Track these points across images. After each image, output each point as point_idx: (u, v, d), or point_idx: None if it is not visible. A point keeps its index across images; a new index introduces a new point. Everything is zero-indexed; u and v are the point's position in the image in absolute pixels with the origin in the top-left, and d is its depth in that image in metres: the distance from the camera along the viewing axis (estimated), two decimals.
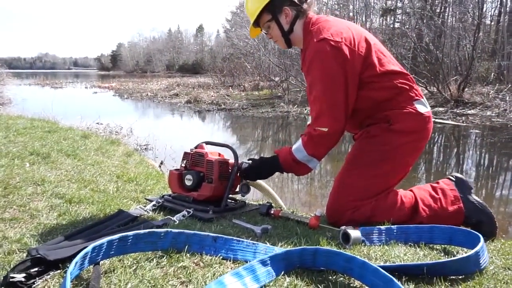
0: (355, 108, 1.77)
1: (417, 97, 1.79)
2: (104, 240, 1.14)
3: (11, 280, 1.04)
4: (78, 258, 1.06)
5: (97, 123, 7.36)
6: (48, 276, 1.11)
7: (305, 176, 4.77)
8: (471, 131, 8.19)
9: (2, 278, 1.06)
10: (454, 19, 16.77)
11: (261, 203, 2.05)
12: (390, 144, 1.74)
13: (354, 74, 1.70)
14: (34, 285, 1.06)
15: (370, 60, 1.73)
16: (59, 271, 1.14)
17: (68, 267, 1.05)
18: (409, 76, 1.81)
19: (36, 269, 1.10)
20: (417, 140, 1.79)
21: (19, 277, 1.05)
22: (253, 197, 2.49)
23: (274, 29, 1.87)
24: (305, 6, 1.84)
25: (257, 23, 1.89)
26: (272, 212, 1.82)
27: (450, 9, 17.29)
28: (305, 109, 10.83)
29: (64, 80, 31.47)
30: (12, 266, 1.15)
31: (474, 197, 1.75)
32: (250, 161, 1.95)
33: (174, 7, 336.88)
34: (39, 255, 1.14)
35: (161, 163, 4.54)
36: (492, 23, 18.29)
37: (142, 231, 1.22)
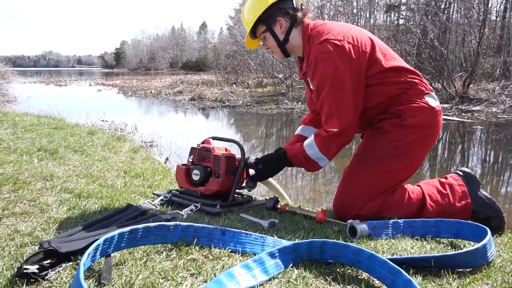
0: (366, 107, 1.77)
1: (427, 91, 1.78)
2: (115, 232, 1.16)
3: (24, 271, 1.05)
4: (90, 249, 1.07)
5: (102, 120, 7.40)
6: (61, 268, 1.13)
7: (310, 173, 4.79)
8: (476, 127, 8.14)
9: (16, 270, 1.08)
10: (459, 15, 16.67)
11: (267, 197, 2.06)
12: (403, 140, 1.73)
13: (360, 72, 1.69)
14: (47, 277, 1.08)
15: (375, 57, 1.72)
16: (71, 263, 1.16)
17: (80, 259, 1.07)
18: (416, 71, 1.81)
19: (48, 261, 1.12)
20: (429, 135, 1.79)
21: (33, 268, 1.07)
22: (259, 192, 2.50)
23: (270, 39, 1.86)
24: (299, 14, 1.82)
25: (254, 34, 1.89)
26: (278, 206, 1.83)
27: (455, 5, 17.18)
28: None
29: (68, 78, 31.57)
30: (25, 258, 1.16)
31: (482, 192, 1.75)
32: (255, 160, 1.92)
33: (177, 5, 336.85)
34: (51, 248, 1.15)
35: (167, 159, 4.56)
36: (498, 18, 18.15)
37: (152, 224, 1.23)
